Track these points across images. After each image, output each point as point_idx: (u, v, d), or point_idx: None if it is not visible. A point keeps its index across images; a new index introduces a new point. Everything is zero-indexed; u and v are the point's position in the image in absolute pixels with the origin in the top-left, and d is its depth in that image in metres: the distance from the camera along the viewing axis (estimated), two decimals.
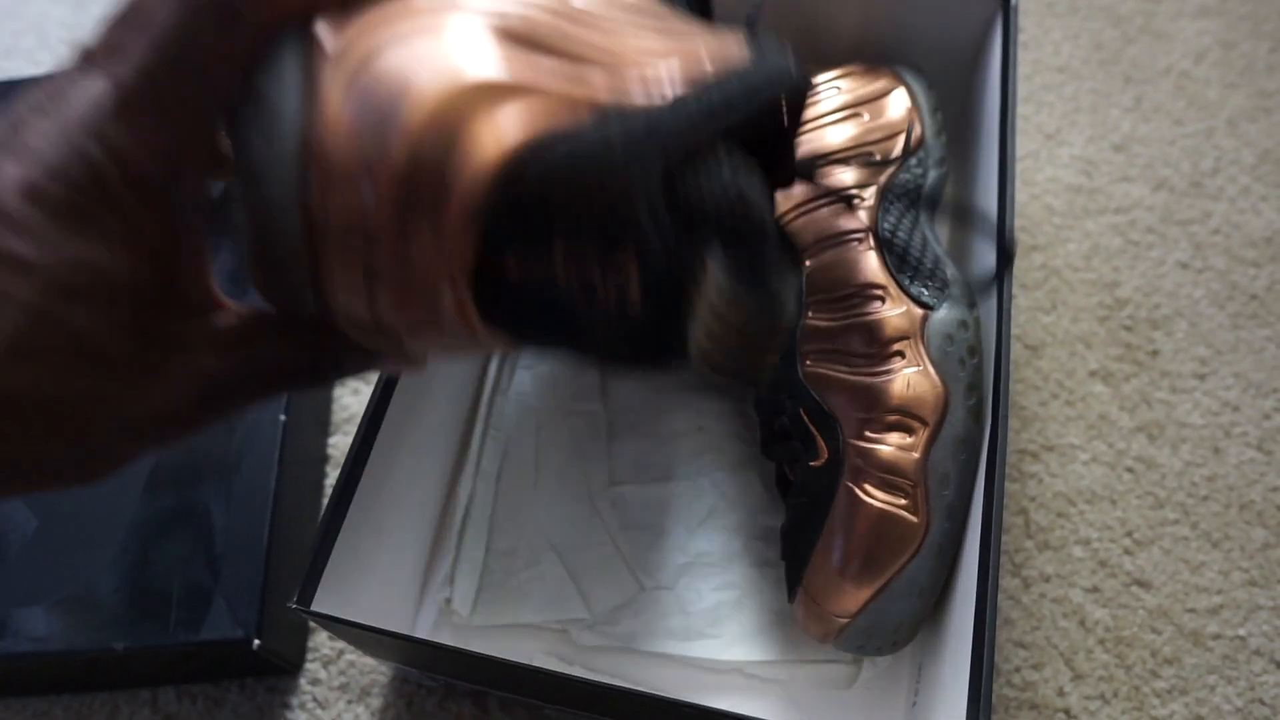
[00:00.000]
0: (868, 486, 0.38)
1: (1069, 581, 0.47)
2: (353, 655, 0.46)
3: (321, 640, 0.46)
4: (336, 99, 0.22)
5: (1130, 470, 0.50)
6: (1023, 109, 0.62)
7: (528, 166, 0.21)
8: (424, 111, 0.21)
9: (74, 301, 0.22)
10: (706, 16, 0.33)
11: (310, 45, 0.23)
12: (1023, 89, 0.63)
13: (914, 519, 0.38)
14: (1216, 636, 0.45)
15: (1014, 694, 0.44)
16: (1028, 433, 0.51)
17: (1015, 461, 0.50)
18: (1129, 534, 0.48)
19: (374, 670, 0.46)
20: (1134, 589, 0.47)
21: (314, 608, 0.35)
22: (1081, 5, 0.67)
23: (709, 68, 0.23)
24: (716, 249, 0.23)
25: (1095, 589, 0.47)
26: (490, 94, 0.21)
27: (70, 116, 0.22)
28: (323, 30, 0.23)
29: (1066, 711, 0.44)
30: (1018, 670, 0.45)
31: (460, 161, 0.21)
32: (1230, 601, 0.46)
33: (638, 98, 0.22)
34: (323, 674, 0.46)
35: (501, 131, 0.21)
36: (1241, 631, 0.45)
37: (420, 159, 0.21)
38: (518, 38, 0.22)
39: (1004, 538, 0.48)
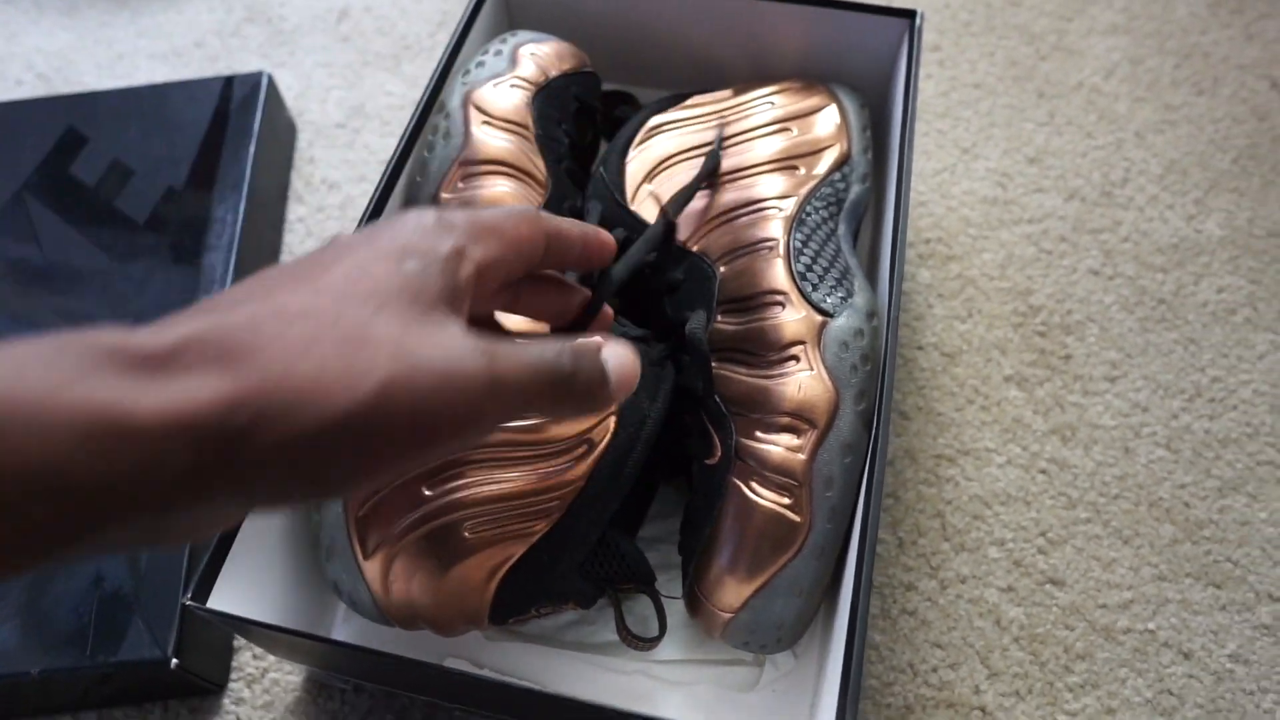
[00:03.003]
0: (755, 485, 0.39)
1: (985, 582, 0.48)
2: (277, 674, 0.46)
3: (246, 660, 0.46)
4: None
5: (1044, 472, 0.51)
6: (940, 124, 0.64)
7: (509, 585, 0.39)
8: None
9: None
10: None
11: None
12: (940, 105, 0.65)
13: (797, 519, 0.39)
14: (1127, 630, 0.46)
15: (931, 693, 0.45)
16: (944, 438, 0.52)
17: (932, 466, 0.51)
18: (1043, 534, 0.49)
19: (298, 689, 0.46)
20: (1048, 587, 0.48)
21: (211, 605, 0.35)
22: (997, 23, 0.69)
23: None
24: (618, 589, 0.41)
25: (1010, 588, 0.48)
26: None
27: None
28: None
29: (983, 709, 0.45)
30: (935, 670, 0.46)
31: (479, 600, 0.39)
32: (1140, 596, 0.47)
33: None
34: (246, 693, 0.46)
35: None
36: (1151, 625, 0.47)
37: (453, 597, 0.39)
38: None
39: (921, 541, 0.49)
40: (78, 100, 0.60)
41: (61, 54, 0.69)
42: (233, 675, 0.46)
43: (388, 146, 0.64)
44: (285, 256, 0.59)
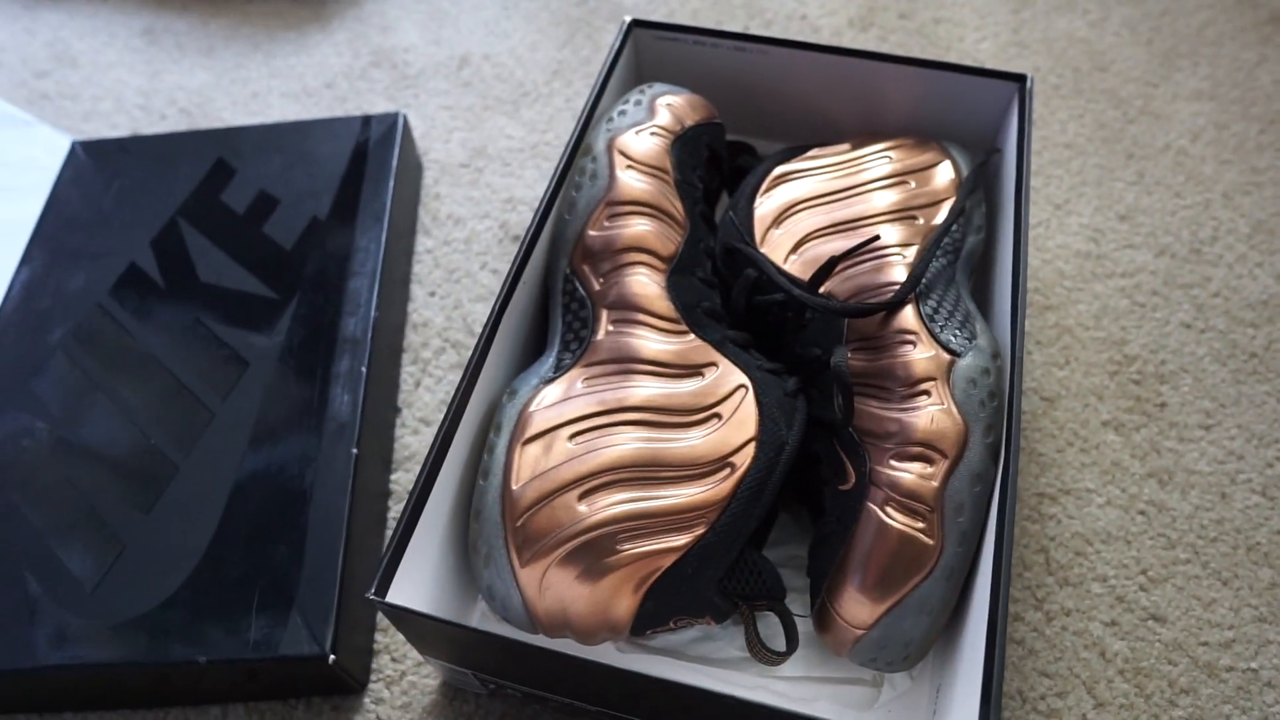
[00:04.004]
0: (889, 509, 0.42)
1: (1088, 616, 0.50)
2: (415, 676, 0.49)
3: (385, 662, 0.49)
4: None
5: (1143, 513, 0.53)
6: (1034, 181, 0.67)
7: (653, 597, 0.42)
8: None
9: None
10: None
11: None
12: (1033, 163, 0.68)
13: (929, 541, 0.41)
14: (1230, 669, 0.48)
15: None
16: (1046, 477, 0.54)
17: (1035, 504, 0.53)
18: (1143, 572, 0.51)
19: (434, 692, 0.48)
20: (1150, 623, 0.49)
21: (389, 599, 0.38)
22: (1085, 88, 0.72)
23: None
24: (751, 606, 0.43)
25: (1114, 623, 0.50)
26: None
27: None
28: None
29: None
30: (1043, 698, 0.48)
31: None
32: (1242, 636, 0.49)
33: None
34: (386, 694, 0.48)
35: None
36: (1254, 664, 0.48)
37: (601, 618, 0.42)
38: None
39: (1026, 574, 0.51)
40: (225, 134, 0.65)
41: (201, 91, 0.74)
42: (372, 676, 0.49)
43: (509, 185, 0.67)
44: (414, 286, 0.63)
